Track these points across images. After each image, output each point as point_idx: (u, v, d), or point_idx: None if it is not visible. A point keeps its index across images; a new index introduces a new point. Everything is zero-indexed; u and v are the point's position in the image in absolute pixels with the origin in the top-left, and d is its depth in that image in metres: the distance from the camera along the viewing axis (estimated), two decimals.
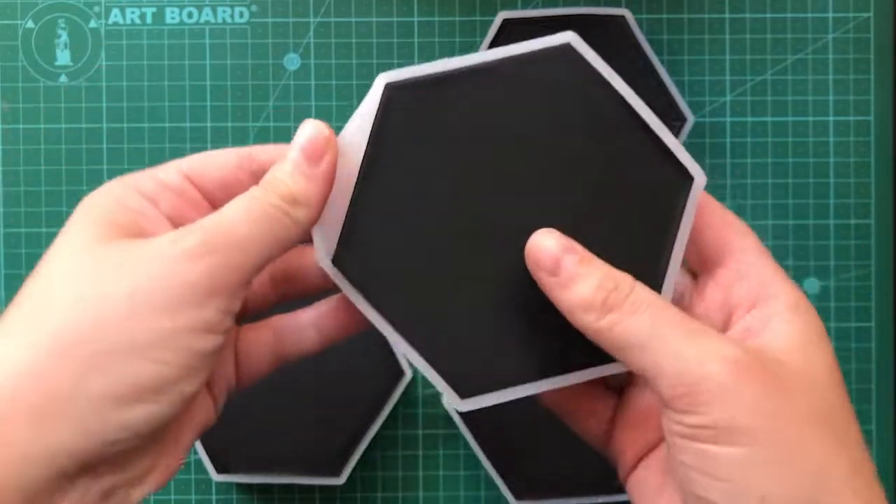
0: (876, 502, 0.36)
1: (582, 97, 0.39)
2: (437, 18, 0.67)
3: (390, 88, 0.39)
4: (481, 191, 0.39)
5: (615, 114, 0.39)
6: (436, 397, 0.67)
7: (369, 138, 0.39)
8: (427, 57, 0.67)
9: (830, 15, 0.68)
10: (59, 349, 0.34)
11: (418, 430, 0.67)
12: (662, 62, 0.67)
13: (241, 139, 0.67)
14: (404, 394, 0.67)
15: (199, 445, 0.65)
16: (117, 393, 0.34)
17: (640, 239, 0.39)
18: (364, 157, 0.39)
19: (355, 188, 0.39)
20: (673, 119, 0.66)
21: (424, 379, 0.67)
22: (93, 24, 0.67)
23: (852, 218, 0.68)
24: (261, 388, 0.65)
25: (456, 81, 0.39)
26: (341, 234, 0.40)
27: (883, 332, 0.68)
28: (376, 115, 0.39)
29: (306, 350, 0.43)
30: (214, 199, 0.41)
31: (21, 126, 0.67)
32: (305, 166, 0.38)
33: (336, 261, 0.40)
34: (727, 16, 0.68)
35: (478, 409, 0.40)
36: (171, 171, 0.40)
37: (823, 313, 0.68)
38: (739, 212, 0.67)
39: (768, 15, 0.68)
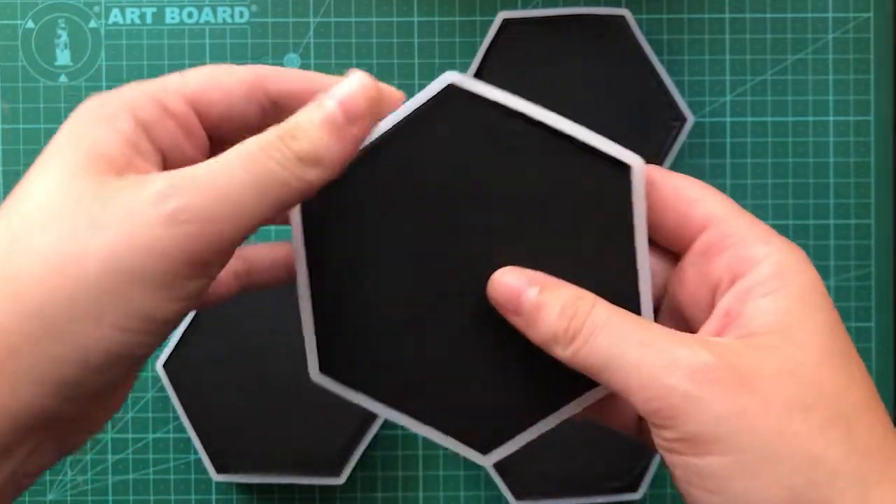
0: (890, 471, 0.33)
1: (490, 131, 0.37)
2: (437, 18, 0.67)
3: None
4: (433, 250, 0.38)
5: (526, 134, 0.37)
6: None
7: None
8: (427, 56, 0.67)
9: (830, 15, 0.68)
10: (23, 310, 0.32)
11: None
12: (662, 62, 0.67)
13: None
14: None
15: (199, 445, 0.65)
16: (77, 358, 0.33)
17: (603, 249, 0.38)
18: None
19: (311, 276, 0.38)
20: (673, 119, 0.66)
21: None
22: (93, 24, 0.67)
23: (852, 218, 0.68)
24: (261, 388, 0.65)
25: (384, 145, 0.37)
26: (317, 339, 0.38)
27: (883, 332, 0.68)
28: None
29: (273, 285, 0.41)
30: (217, 131, 0.38)
31: (21, 126, 0.67)
32: (340, 122, 0.34)
33: (324, 370, 0.39)
34: (727, 16, 0.68)
35: None
36: (176, 95, 0.36)
37: None
38: None
39: (768, 15, 0.68)
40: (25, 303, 0.32)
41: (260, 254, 0.41)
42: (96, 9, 0.67)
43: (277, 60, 0.67)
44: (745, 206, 0.67)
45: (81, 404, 0.34)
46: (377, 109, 0.34)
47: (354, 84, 0.34)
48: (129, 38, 0.67)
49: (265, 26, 0.67)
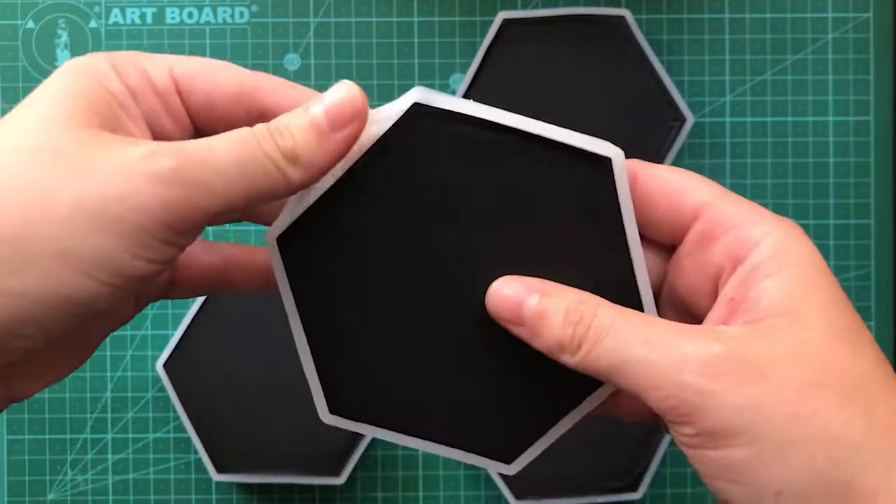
0: None
1: (462, 145, 0.36)
2: (437, 18, 0.67)
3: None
4: (423, 271, 0.37)
5: (500, 142, 0.36)
6: None
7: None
8: (427, 56, 0.67)
9: (830, 15, 0.68)
10: None
11: None
12: (662, 62, 0.67)
13: None
14: None
15: (199, 445, 0.65)
16: (36, 295, 0.32)
17: (595, 247, 0.37)
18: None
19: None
20: (673, 119, 0.66)
21: None
22: (93, 24, 0.67)
23: (852, 218, 0.68)
24: (261, 388, 0.65)
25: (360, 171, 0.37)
26: (321, 381, 0.38)
27: (883, 333, 0.68)
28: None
29: (250, 291, 0.41)
30: (197, 118, 0.38)
31: None
32: (325, 126, 0.34)
33: (334, 411, 0.38)
34: (727, 16, 0.68)
35: None
36: (162, 70, 0.37)
37: None
38: None
39: (768, 15, 0.68)
40: None
41: (238, 255, 0.41)
42: (96, 9, 0.67)
43: (277, 60, 0.67)
44: None
45: (29, 345, 0.34)
46: (362, 119, 0.35)
47: (342, 92, 0.34)
48: (129, 39, 0.67)
49: (265, 26, 0.67)
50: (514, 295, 0.36)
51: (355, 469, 0.67)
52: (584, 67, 0.66)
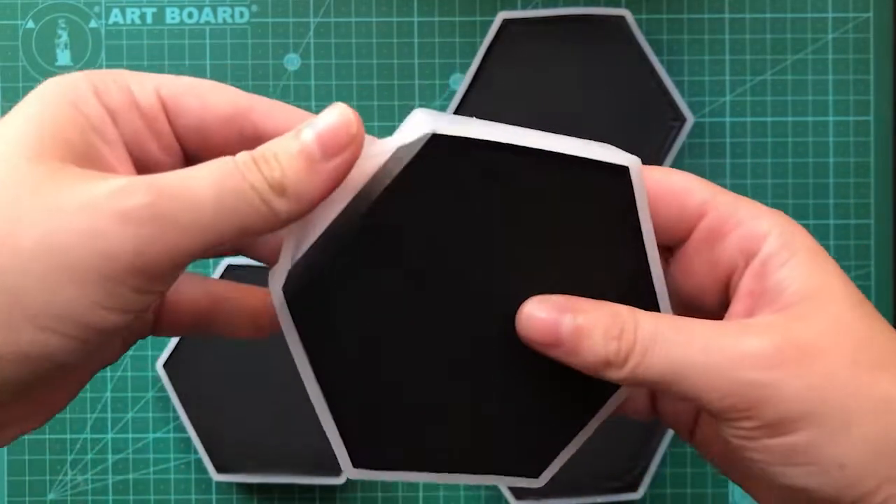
0: None
1: (479, 172, 0.35)
2: (437, 18, 0.67)
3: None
4: (441, 304, 0.35)
5: (514, 164, 0.35)
6: None
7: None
8: (427, 56, 0.67)
9: (830, 15, 0.68)
10: None
11: None
12: (662, 62, 0.67)
13: None
14: None
15: (199, 445, 0.65)
16: None
17: (615, 257, 0.37)
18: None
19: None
20: (673, 119, 0.66)
21: None
22: (93, 24, 0.67)
23: (852, 218, 0.68)
24: (261, 388, 0.65)
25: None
26: (341, 436, 0.36)
27: None
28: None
29: (234, 336, 0.38)
30: (187, 142, 0.35)
31: None
32: (316, 155, 0.31)
33: (357, 464, 0.36)
34: (727, 16, 0.68)
35: None
36: (148, 89, 0.34)
37: None
38: None
39: (768, 15, 0.68)
40: None
41: (230, 294, 0.38)
42: (96, 9, 0.67)
43: (277, 60, 0.67)
44: None
45: None
46: (357, 145, 0.32)
47: (335, 118, 0.31)
48: (129, 38, 0.67)
49: (265, 26, 0.67)
50: (548, 317, 0.35)
51: None
52: (584, 67, 0.66)
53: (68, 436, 0.67)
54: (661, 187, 0.37)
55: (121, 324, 0.30)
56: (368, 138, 0.34)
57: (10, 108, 0.67)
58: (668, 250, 0.39)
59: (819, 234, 0.67)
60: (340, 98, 0.67)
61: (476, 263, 0.36)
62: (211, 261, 0.67)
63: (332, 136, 0.31)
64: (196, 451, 0.67)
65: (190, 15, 0.67)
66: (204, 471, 0.67)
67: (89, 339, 0.30)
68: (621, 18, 0.65)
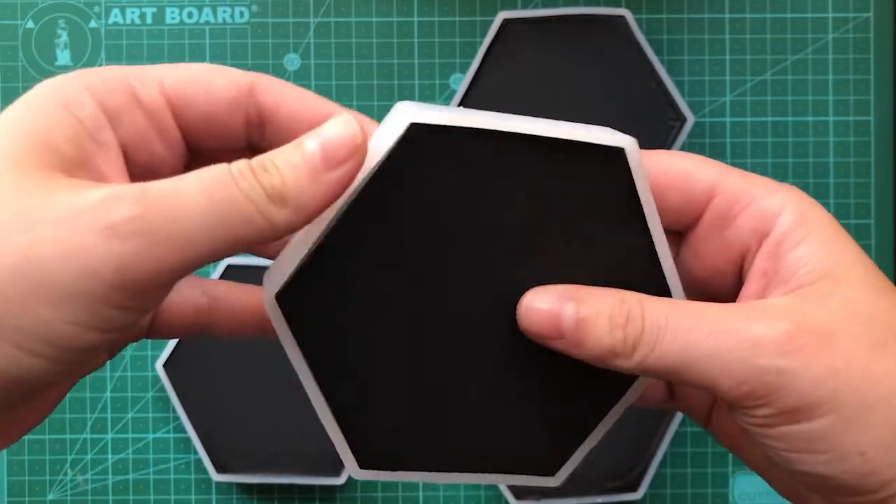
0: None
1: (465, 160, 0.33)
2: (437, 18, 0.67)
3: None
4: (440, 298, 0.34)
5: (504, 150, 0.34)
6: None
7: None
8: (427, 56, 0.67)
9: (830, 15, 0.68)
10: None
11: None
12: (662, 62, 0.67)
13: None
14: None
15: (199, 445, 0.65)
16: None
17: (617, 241, 0.35)
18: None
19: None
20: (673, 119, 0.66)
21: None
22: (93, 24, 0.67)
23: (852, 218, 0.68)
24: (261, 388, 0.65)
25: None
26: (346, 438, 0.35)
27: None
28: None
29: (235, 336, 0.37)
30: (192, 135, 0.34)
31: None
32: (319, 165, 0.30)
33: (364, 465, 0.35)
34: (727, 16, 0.68)
35: None
36: (151, 85, 0.33)
37: None
38: None
39: (768, 15, 0.68)
40: None
41: (229, 294, 0.37)
42: (96, 9, 0.67)
43: (277, 60, 0.67)
44: None
45: None
46: (362, 156, 0.31)
47: (340, 128, 0.30)
48: (129, 38, 0.67)
49: (265, 26, 0.67)
50: (548, 308, 0.34)
51: None
52: (584, 67, 0.66)
53: (68, 436, 0.67)
54: (667, 171, 0.36)
55: (104, 342, 0.29)
56: None
57: None
58: (680, 235, 0.38)
59: None
60: (340, 98, 0.67)
61: (473, 255, 0.34)
62: None
63: (335, 146, 0.30)
64: (196, 452, 0.67)
65: (190, 15, 0.67)
66: (204, 471, 0.67)
67: (70, 360, 0.29)
68: (621, 18, 0.65)
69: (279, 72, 0.67)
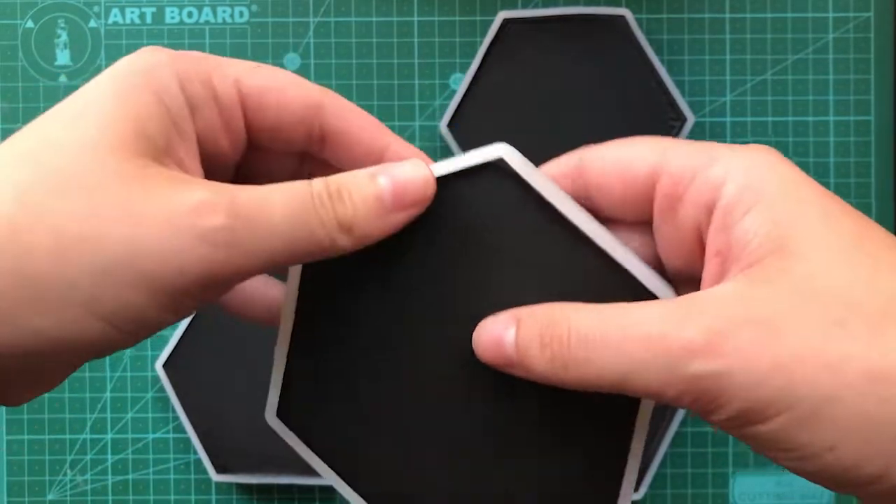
0: None
1: (512, 212, 0.34)
2: (437, 18, 0.67)
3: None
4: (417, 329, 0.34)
5: (543, 223, 0.33)
6: None
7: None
8: (427, 56, 0.67)
9: (830, 15, 0.68)
10: (20, 280, 0.30)
11: None
12: (662, 62, 0.67)
13: None
14: None
15: (198, 445, 0.65)
16: (57, 337, 0.30)
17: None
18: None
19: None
20: (673, 119, 0.66)
21: None
22: (93, 23, 0.67)
23: None
24: (261, 388, 0.65)
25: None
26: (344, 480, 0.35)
27: None
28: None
29: (250, 319, 0.38)
30: (258, 136, 0.35)
31: (21, 126, 0.67)
32: (388, 204, 0.32)
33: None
34: (727, 16, 0.68)
35: None
36: (228, 82, 0.34)
37: None
38: None
39: (768, 15, 0.68)
40: (26, 273, 0.30)
41: (249, 282, 0.38)
42: (96, 9, 0.67)
43: (277, 60, 0.67)
44: None
45: (32, 369, 0.32)
46: (427, 203, 0.33)
47: (413, 173, 0.33)
48: (128, 38, 0.67)
49: (265, 26, 0.67)
50: (492, 334, 0.33)
51: None
52: (584, 67, 0.66)
53: (68, 436, 0.67)
54: (606, 164, 0.34)
55: (170, 323, 0.32)
56: None
57: (8, 108, 0.67)
58: (650, 227, 0.35)
59: None
60: None
61: (435, 313, 0.34)
62: None
63: (407, 190, 0.32)
64: (196, 452, 0.67)
65: (189, 15, 0.67)
66: (203, 471, 0.67)
67: (143, 335, 0.32)
68: (621, 18, 0.65)
69: None
